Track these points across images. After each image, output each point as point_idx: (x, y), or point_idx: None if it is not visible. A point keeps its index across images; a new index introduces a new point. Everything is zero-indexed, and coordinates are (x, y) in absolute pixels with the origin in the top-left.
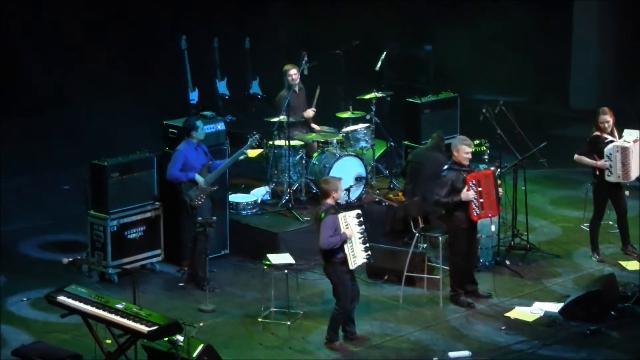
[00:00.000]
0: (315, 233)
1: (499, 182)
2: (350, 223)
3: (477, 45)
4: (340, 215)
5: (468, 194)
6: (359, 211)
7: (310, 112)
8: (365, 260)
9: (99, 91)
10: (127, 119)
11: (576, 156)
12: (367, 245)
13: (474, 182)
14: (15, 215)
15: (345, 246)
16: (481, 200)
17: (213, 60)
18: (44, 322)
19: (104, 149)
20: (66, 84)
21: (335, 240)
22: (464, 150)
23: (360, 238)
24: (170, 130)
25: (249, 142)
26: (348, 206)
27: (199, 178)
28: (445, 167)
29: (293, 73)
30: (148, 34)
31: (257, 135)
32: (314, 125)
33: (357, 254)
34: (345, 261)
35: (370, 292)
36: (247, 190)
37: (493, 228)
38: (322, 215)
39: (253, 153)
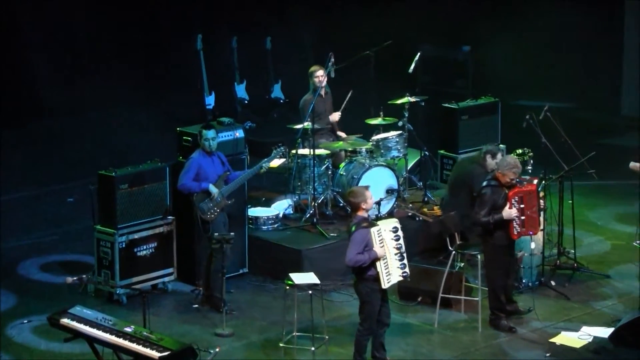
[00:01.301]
0: (342, 251)
1: (541, 194)
2: (385, 238)
3: (519, 46)
4: (374, 230)
5: (510, 212)
6: (396, 223)
7: (336, 116)
8: (401, 279)
9: (108, 97)
10: (137, 126)
11: (632, 164)
12: (405, 261)
13: (516, 200)
14: (16, 231)
15: (378, 263)
16: (523, 217)
17: (231, 62)
18: (45, 349)
19: (112, 159)
20: (72, 90)
21: (363, 258)
22: (509, 176)
23: (396, 254)
24: (184, 138)
25: (272, 154)
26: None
27: (212, 189)
28: (485, 183)
29: (319, 75)
30: (160, 32)
31: (282, 147)
32: (340, 133)
33: (392, 271)
34: (377, 279)
35: (402, 315)
36: (267, 203)
37: (533, 245)
38: (353, 228)
39: (275, 163)
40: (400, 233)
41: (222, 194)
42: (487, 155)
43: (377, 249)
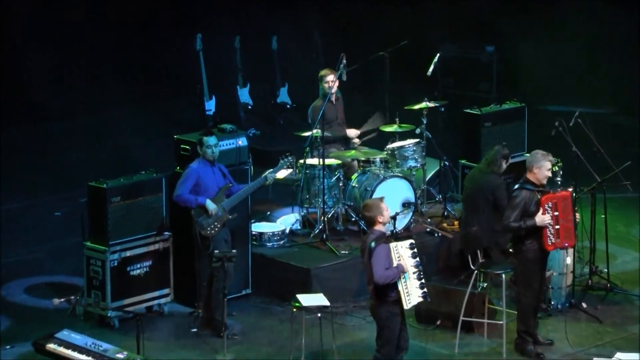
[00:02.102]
0: (354, 270)
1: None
2: (402, 255)
3: (549, 47)
4: (391, 245)
5: (544, 217)
6: (412, 240)
7: (353, 133)
8: (420, 299)
9: (100, 102)
10: (131, 134)
11: None
12: (423, 281)
13: (549, 205)
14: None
15: (399, 282)
16: (557, 226)
17: (234, 63)
18: None
19: (104, 169)
20: (62, 93)
21: (392, 274)
22: (546, 167)
23: (414, 272)
24: (182, 146)
25: (279, 165)
26: (396, 236)
27: (210, 205)
28: (517, 186)
29: (330, 80)
30: (157, 31)
31: (290, 158)
32: (354, 140)
33: (411, 292)
34: (398, 300)
35: (420, 340)
36: (273, 218)
37: (569, 260)
38: (372, 245)
39: (281, 174)
40: (416, 250)
41: (224, 207)
42: (503, 160)
43: (400, 262)
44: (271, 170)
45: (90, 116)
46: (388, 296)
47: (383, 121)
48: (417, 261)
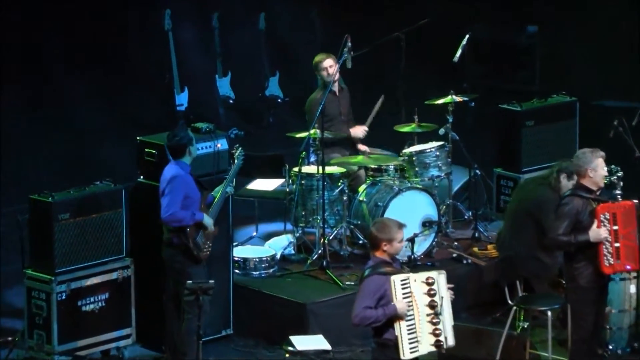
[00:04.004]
0: None
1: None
2: (414, 291)
3: (605, 29)
4: (396, 279)
5: (599, 231)
6: (431, 275)
7: (359, 131)
8: (433, 349)
9: (46, 96)
10: (84, 134)
11: None
12: (444, 325)
13: (606, 217)
14: None
15: (398, 325)
16: (617, 244)
17: (211, 47)
18: None
19: (52, 179)
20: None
21: (372, 315)
22: (601, 165)
23: (429, 314)
24: (147, 150)
25: (236, 162)
26: (415, 265)
27: (207, 220)
28: (567, 192)
29: (328, 66)
30: (112, 6)
31: (239, 150)
32: (361, 146)
33: (420, 338)
34: (397, 345)
35: None
36: (260, 240)
37: (632, 290)
38: (365, 273)
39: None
40: (437, 287)
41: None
42: (562, 175)
43: (398, 303)
44: (229, 173)
45: (31, 114)
46: (383, 337)
47: (381, 99)
48: (435, 300)
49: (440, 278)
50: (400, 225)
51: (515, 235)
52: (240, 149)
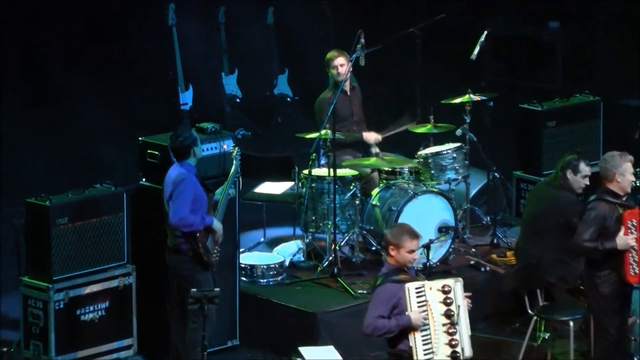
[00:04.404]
0: None
1: None
2: (430, 300)
3: (631, 23)
4: (410, 286)
5: (627, 239)
6: (448, 283)
7: (372, 137)
8: None
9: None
10: (83, 135)
11: None
12: (460, 336)
13: (634, 224)
14: None
15: (412, 335)
16: None
17: (218, 43)
18: None
19: (50, 181)
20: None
21: (385, 326)
22: (629, 169)
23: (445, 324)
24: (149, 152)
25: (234, 163)
26: (430, 272)
27: (217, 224)
28: (593, 197)
29: (339, 65)
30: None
31: (236, 148)
32: (374, 149)
33: (436, 348)
34: (412, 356)
35: None
36: (268, 246)
37: None
38: (378, 281)
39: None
40: (454, 295)
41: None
42: (567, 171)
43: (412, 314)
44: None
45: (31, 114)
46: (397, 348)
47: (412, 122)
48: (451, 310)
49: (457, 286)
50: (414, 235)
51: (537, 241)
52: (237, 148)
